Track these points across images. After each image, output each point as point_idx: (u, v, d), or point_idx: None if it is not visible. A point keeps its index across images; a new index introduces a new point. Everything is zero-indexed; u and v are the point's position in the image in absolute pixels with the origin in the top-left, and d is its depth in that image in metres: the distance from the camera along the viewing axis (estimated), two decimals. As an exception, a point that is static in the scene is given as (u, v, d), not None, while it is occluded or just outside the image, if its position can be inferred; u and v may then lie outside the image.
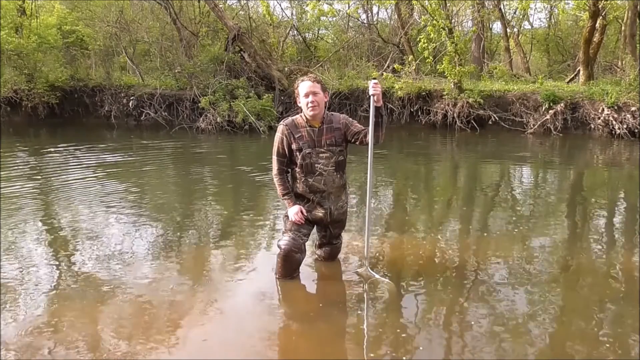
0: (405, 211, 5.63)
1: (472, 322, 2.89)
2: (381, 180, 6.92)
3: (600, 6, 11.87)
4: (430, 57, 12.04)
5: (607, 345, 2.69)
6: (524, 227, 4.84)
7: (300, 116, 3.37)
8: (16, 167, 7.97)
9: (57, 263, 3.85)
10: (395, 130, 12.03)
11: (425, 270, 3.65)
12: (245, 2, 15.83)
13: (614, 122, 10.71)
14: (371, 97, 3.21)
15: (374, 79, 3.21)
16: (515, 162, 8.83)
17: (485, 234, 4.65)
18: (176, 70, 13.76)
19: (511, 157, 9.31)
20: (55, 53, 15.05)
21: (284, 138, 3.33)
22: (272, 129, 11.30)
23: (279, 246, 3.36)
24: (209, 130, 12.10)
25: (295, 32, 16.92)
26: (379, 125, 3.27)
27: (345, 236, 3.88)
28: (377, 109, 3.24)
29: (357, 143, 3.35)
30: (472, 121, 11.90)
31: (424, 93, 12.55)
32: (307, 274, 3.54)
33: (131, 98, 13.87)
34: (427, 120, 12.57)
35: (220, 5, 14.11)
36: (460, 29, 15.99)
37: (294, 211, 3.33)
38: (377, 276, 3.37)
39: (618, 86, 11.46)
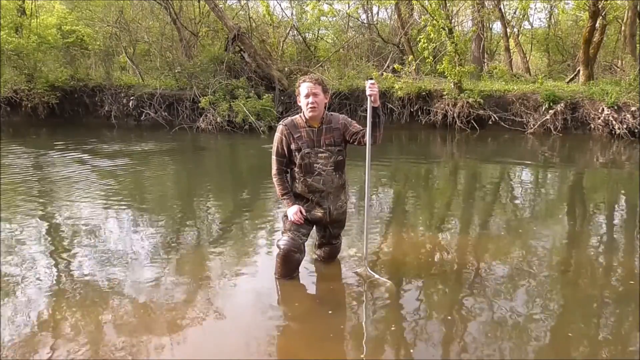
0: (405, 211, 5.63)
1: (472, 322, 2.90)
2: (381, 180, 6.92)
3: (600, 6, 11.86)
4: (430, 57, 12.03)
5: (607, 344, 2.69)
6: (523, 227, 4.84)
7: (300, 116, 3.37)
8: (16, 167, 7.96)
9: (57, 263, 3.85)
10: (395, 130, 12.03)
11: (425, 270, 3.65)
12: (245, 2, 15.83)
13: (614, 122, 10.71)
14: (368, 98, 3.21)
15: (371, 79, 3.21)
16: (515, 162, 8.82)
17: (485, 234, 4.65)
18: (176, 70, 13.77)
19: (511, 157, 9.31)
20: (55, 53, 15.06)
21: (283, 138, 3.33)
22: (272, 129, 11.29)
23: (278, 246, 3.37)
24: (209, 130, 12.11)
25: (295, 32, 16.91)
26: (376, 125, 3.27)
27: (344, 236, 3.88)
28: (374, 109, 3.24)
29: (356, 143, 3.35)
30: (472, 121, 11.89)
31: (424, 93, 12.55)
32: (307, 274, 3.54)
33: (131, 98, 13.87)
34: (427, 120, 12.56)
35: (220, 5, 14.10)
36: (460, 29, 15.97)
37: (293, 211, 3.34)
38: (376, 276, 3.38)
39: (618, 86, 11.45)
